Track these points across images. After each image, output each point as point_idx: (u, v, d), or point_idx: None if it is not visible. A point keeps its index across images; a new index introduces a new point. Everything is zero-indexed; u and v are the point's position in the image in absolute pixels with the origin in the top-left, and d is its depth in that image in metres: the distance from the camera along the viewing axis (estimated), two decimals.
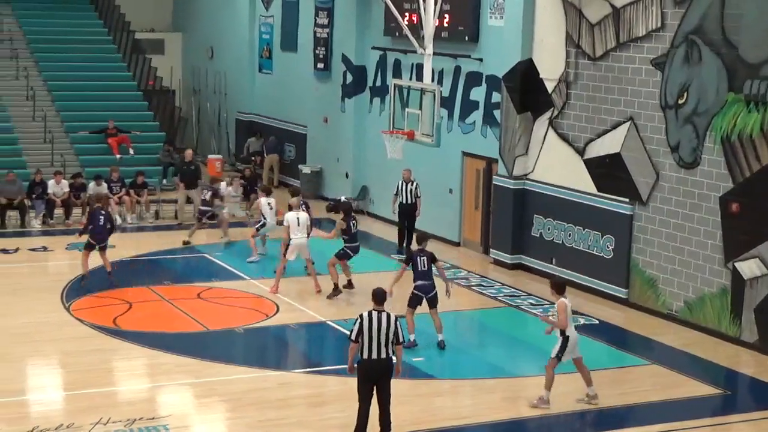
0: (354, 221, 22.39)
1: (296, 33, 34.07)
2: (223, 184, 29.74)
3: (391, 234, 27.37)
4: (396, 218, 27.09)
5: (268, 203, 24.85)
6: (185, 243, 26.27)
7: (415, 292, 18.91)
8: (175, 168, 31.39)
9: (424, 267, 18.93)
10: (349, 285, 22.40)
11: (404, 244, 26.38)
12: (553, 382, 16.20)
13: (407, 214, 26.34)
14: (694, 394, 17.23)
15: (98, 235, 22.47)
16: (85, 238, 22.71)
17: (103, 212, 22.83)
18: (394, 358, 14.29)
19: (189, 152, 30.82)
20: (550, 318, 16.57)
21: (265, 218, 24.78)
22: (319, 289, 22.09)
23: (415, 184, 26.18)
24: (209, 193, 26.92)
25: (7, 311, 20.65)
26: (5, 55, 36.50)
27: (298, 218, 22.19)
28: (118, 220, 28.56)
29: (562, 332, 16.11)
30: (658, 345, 19.87)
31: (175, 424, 15.15)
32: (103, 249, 22.53)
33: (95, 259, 22.67)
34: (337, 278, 22.03)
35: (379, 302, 14.33)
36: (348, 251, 22.21)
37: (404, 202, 26.25)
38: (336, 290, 21.93)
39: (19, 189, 28.14)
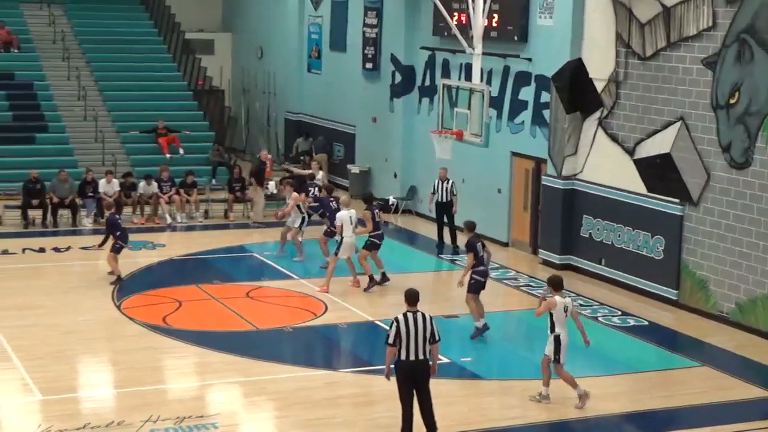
0: (376, 210, 22.47)
1: (345, 33, 34.13)
2: (272, 184, 29.95)
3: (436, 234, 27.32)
4: (434, 216, 27.18)
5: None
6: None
7: (478, 278, 19.30)
8: (254, 168, 31.45)
9: (482, 253, 19.36)
10: (384, 278, 22.46)
11: (442, 241, 26.49)
12: (573, 380, 16.15)
13: (444, 211, 26.40)
14: (745, 396, 17.08)
15: (125, 238, 22.87)
16: (107, 245, 23.10)
17: (118, 217, 23.62)
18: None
19: (264, 152, 31.11)
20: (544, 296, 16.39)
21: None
22: (358, 283, 22.24)
23: (450, 182, 26.22)
24: (317, 187, 27.12)
25: (59, 309, 20.85)
26: (57, 56, 36.87)
27: (350, 217, 22.28)
28: (168, 219, 28.83)
29: (552, 330, 16.01)
30: (709, 347, 19.72)
31: (223, 423, 15.24)
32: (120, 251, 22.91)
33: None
34: (370, 270, 22.20)
35: (413, 303, 14.31)
36: (375, 241, 22.32)
37: (441, 200, 26.30)
38: (372, 281, 22.17)
39: (70, 188, 28.40)
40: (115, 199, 28.45)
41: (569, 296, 16.63)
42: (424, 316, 14.22)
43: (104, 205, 24.40)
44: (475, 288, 19.34)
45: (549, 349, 16.07)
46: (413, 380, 14.22)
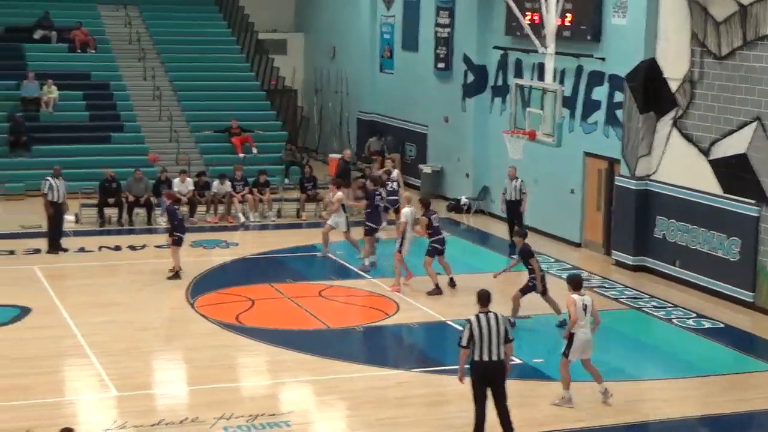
0: (435, 214, 22.39)
1: (417, 32, 34.14)
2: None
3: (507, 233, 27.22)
4: (505, 215, 27.08)
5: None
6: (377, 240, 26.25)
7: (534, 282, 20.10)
8: (339, 168, 31.54)
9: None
10: (451, 283, 22.42)
11: (514, 241, 26.45)
12: (569, 381, 16.05)
13: (514, 211, 26.33)
14: None
15: (183, 229, 23.12)
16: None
17: (177, 207, 23.80)
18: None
19: (347, 152, 31.18)
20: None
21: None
22: (398, 288, 22.27)
23: (520, 180, 26.09)
24: (395, 183, 27.08)
25: (134, 306, 21.11)
26: (133, 56, 37.33)
27: (412, 213, 22.33)
28: (241, 218, 29.05)
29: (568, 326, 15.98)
30: None
31: (296, 421, 15.32)
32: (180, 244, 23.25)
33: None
34: (436, 278, 22.07)
35: (485, 304, 14.30)
36: (436, 246, 22.23)
37: (510, 198, 26.20)
38: (437, 290, 22.04)
39: (145, 187, 28.71)
40: (189, 198, 28.75)
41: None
42: (496, 316, 14.21)
43: (165, 195, 24.56)
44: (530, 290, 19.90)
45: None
46: (488, 381, 14.21)
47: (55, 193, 25.16)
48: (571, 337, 15.89)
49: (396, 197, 26.57)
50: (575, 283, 16.00)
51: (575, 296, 15.84)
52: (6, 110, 33.66)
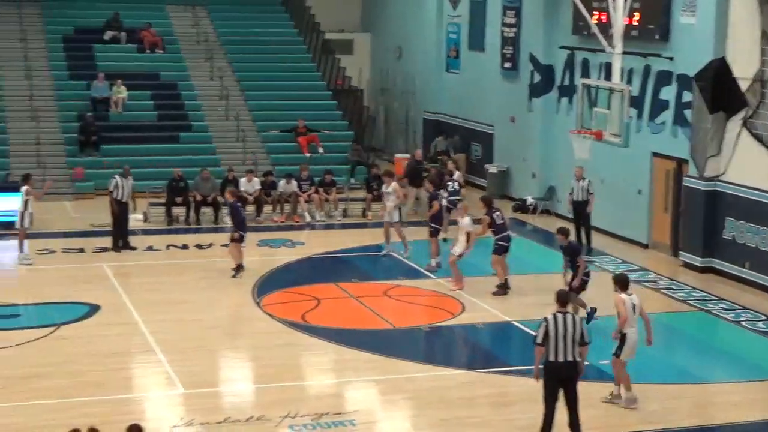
0: (497, 212, 22.26)
1: (484, 32, 34.04)
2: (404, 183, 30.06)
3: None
4: (571, 216, 26.95)
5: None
6: (444, 239, 26.36)
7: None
8: (409, 167, 31.57)
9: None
10: (505, 285, 22.32)
11: (580, 241, 26.25)
12: (629, 381, 15.90)
13: (580, 210, 26.17)
14: None
15: (244, 227, 23.24)
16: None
17: (240, 204, 23.84)
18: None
19: (418, 152, 31.19)
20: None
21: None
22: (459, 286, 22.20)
23: (587, 181, 25.92)
24: (456, 183, 27.20)
25: (202, 305, 21.28)
26: (201, 57, 37.64)
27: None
28: (307, 218, 29.16)
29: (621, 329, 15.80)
30: None
31: (361, 420, 15.36)
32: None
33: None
34: (504, 276, 22.01)
35: (564, 304, 14.25)
36: (502, 244, 22.10)
37: (577, 199, 26.03)
38: (504, 287, 21.95)
39: (212, 186, 28.92)
40: (256, 198, 28.91)
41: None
42: (574, 317, 14.17)
43: (227, 192, 24.66)
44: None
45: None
46: (561, 382, 14.18)
47: (120, 191, 25.43)
48: (622, 338, 15.77)
49: (458, 197, 26.52)
50: (623, 283, 15.87)
51: (623, 296, 15.73)
52: (76, 110, 34.12)
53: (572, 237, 20.69)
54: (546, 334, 14.06)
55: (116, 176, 25.70)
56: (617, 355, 15.82)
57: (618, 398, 16.06)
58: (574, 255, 19.70)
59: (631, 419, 15.67)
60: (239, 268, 23.11)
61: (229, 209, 24.25)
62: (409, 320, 20.67)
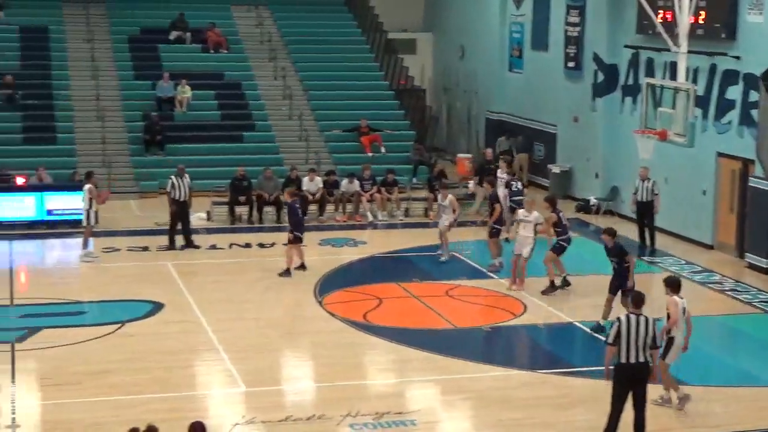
0: (562, 212, 22.12)
1: (547, 31, 33.91)
2: (471, 183, 30.00)
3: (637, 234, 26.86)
4: (635, 217, 26.76)
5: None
6: (507, 240, 26.24)
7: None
8: (477, 165, 31.56)
9: None
10: (565, 282, 22.20)
11: (644, 242, 26.05)
12: (675, 382, 15.79)
13: (645, 211, 25.95)
14: None
15: (301, 228, 23.22)
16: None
17: (298, 206, 23.68)
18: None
19: (488, 151, 31.11)
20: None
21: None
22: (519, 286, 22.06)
23: (652, 181, 25.73)
24: (518, 182, 27.18)
25: (264, 304, 21.41)
26: (264, 56, 37.86)
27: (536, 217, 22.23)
28: (369, 217, 29.22)
29: (668, 332, 15.58)
30: None
31: (421, 420, 15.36)
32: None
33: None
34: (553, 275, 21.88)
35: (638, 306, 14.16)
36: (563, 244, 21.96)
37: (641, 199, 25.82)
38: (552, 286, 21.84)
39: (275, 185, 29.07)
40: (318, 197, 29.01)
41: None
42: (647, 319, 14.07)
43: (287, 192, 24.71)
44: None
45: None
46: (630, 383, 14.09)
47: (177, 191, 25.65)
48: (669, 340, 15.63)
49: (521, 197, 26.41)
50: (675, 285, 15.67)
51: (676, 298, 15.57)
52: (142, 110, 34.48)
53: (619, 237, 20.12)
54: (618, 334, 13.96)
55: (172, 176, 25.92)
56: (662, 357, 15.68)
57: (669, 402, 15.89)
58: (621, 256, 19.36)
59: (694, 422, 15.53)
60: (288, 271, 23.09)
61: (287, 209, 24.32)
62: (471, 320, 20.65)
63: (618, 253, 19.43)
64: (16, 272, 23.72)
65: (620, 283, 19.33)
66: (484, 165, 30.49)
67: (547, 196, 23.64)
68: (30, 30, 37.06)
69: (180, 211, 25.69)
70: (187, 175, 26.07)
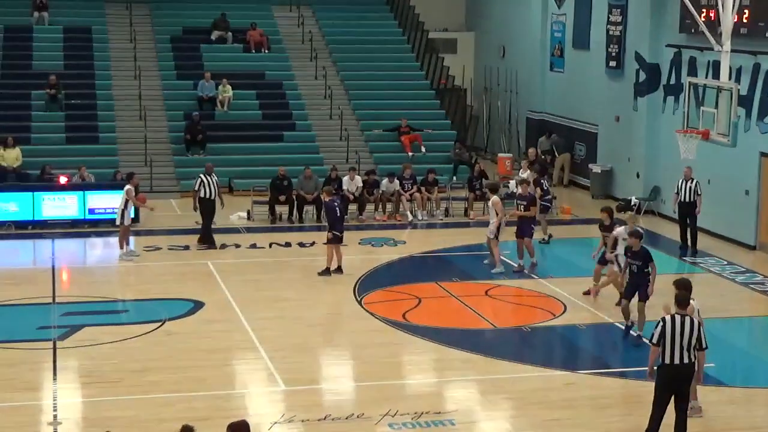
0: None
1: (589, 31, 33.76)
2: (512, 183, 29.90)
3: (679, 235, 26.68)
4: (677, 216, 26.53)
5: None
6: (544, 241, 26.15)
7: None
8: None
9: None
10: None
11: (686, 243, 25.84)
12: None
13: (687, 212, 25.76)
14: None
15: (339, 227, 23.13)
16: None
17: (336, 204, 23.50)
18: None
19: (532, 151, 30.91)
20: None
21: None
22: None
23: (695, 182, 25.52)
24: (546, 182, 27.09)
25: (304, 303, 21.44)
26: (305, 56, 37.94)
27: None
28: (409, 217, 29.21)
29: None
30: None
31: (460, 420, 15.34)
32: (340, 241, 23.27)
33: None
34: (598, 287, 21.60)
35: (683, 306, 14.05)
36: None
37: (684, 200, 25.63)
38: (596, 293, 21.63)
39: (315, 185, 29.11)
40: (358, 196, 29.04)
41: None
42: (692, 320, 13.96)
43: (324, 191, 24.66)
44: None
45: None
46: (674, 385, 13.99)
47: (206, 189, 25.77)
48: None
49: (551, 196, 26.24)
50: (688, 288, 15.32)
51: (693, 302, 15.36)
52: (183, 109, 34.66)
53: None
54: (662, 335, 13.87)
55: (201, 174, 26.05)
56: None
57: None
58: (645, 261, 19.00)
59: (737, 424, 15.42)
60: (327, 270, 23.08)
61: (324, 208, 24.30)
62: (510, 320, 20.60)
63: (643, 258, 18.78)
64: (58, 271, 23.91)
65: (635, 288, 18.76)
66: (544, 165, 30.02)
67: (606, 207, 22.00)
68: (74, 30, 37.37)
69: (209, 209, 25.83)
70: (215, 174, 26.18)
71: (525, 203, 23.83)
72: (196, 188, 25.87)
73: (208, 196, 25.76)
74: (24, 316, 20.44)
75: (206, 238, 25.79)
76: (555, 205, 28.78)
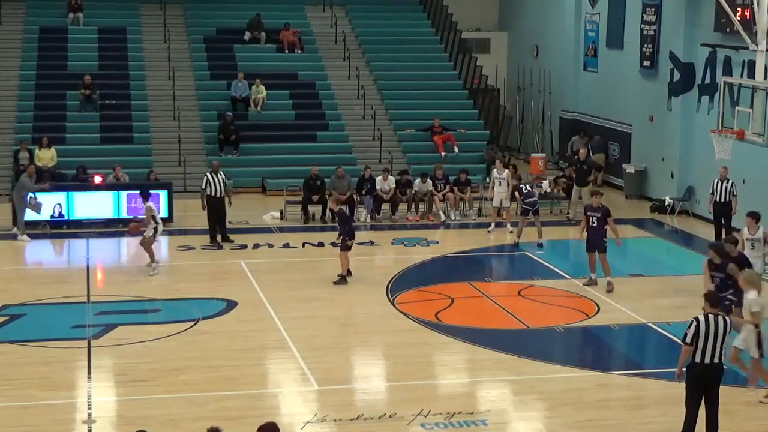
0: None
1: (622, 30, 33.64)
2: (545, 183, 29.83)
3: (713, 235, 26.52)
4: (712, 217, 26.34)
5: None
6: (539, 245, 26.14)
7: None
8: (571, 166, 31.28)
9: None
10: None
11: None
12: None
13: (722, 212, 25.59)
14: None
15: (352, 234, 22.95)
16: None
17: (346, 211, 23.58)
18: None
19: (583, 151, 30.86)
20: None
21: None
22: None
23: (730, 182, 25.33)
24: (526, 185, 26.97)
25: (336, 303, 21.48)
26: (339, 56, 37.99)
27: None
28: (442, 217, 29.19)
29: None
30: None
31: (493, 420, 15.31)
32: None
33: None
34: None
35: (715, 305, 13.97)
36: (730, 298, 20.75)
37: (719, 200, 25.45)
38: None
39: (348, 185, 29.14)
40: (391, 197, 29.06)
41: None
42: (724, 319, 13.90)
43: (333, 199, 24.60)
44: None
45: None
46: (704, 385, 13.93)
47: (212, 188, 25.86)
48: (758, 335, 15.57)
49: (533, 198, 26.05)
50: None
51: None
52: (217, 109, 34.79)
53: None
54: (696, 334, 13.80)
55: (207, 173, 26.15)
56: (761, 354, 15.51)
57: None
58: (604, 215, 19.08)
59: None
60: (343, 278, 22.79)
61: (337, 217, 24.06)
62: (543, 320, 20.53)
63: (740, 266, 17.72)
64: (93, 270, 24.04)
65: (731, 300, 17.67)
66: (579, 165, 29.89)
67: (717, 245, 19.01)
68: (108, 31, 37.61)
69: (216, 208, 25.91)
70: (221, 172, 26.28)
71: (598, 215, 22.08)
72: (203, 187, 26.00)
73: (214, 194, 25.88)
74: (59, 315, 20.57)
75: (213, 237, 25.95)
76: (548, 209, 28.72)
